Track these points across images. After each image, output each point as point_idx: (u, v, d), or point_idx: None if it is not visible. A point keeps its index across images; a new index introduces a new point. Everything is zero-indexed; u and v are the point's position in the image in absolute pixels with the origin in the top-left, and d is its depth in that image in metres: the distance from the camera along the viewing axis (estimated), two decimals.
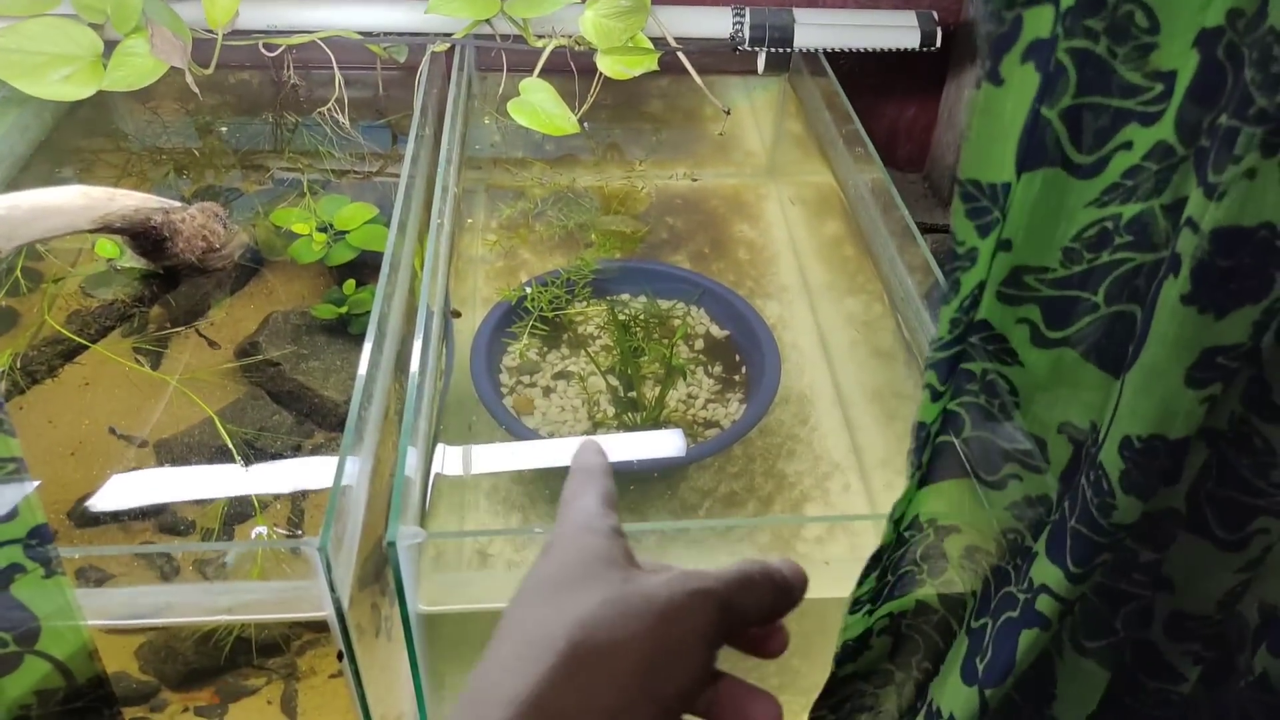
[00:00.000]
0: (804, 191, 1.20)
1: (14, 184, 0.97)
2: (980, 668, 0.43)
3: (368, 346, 0.71)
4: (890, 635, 0.52)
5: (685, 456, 0.81)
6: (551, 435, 0.84)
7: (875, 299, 1.04)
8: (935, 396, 0.40)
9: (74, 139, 1.09)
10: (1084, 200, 0.34)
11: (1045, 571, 0.38)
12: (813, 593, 0.67)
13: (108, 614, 0.54)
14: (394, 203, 0.85)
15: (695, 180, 1.15)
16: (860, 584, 0.50)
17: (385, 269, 0.74)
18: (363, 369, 0.69)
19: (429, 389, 0.77)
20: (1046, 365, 0.39)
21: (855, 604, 0.50)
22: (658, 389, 0.88)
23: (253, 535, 0.68)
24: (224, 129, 1.08)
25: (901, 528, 0.47)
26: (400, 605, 0.52)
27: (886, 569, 0.49)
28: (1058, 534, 0.38)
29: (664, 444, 0.85)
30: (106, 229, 0.73)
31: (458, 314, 0.88)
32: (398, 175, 0.94)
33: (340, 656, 0.52)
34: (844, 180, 1.11)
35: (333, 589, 0.49)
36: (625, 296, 0.97)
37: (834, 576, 0.72)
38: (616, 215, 1.05)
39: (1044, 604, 0.38)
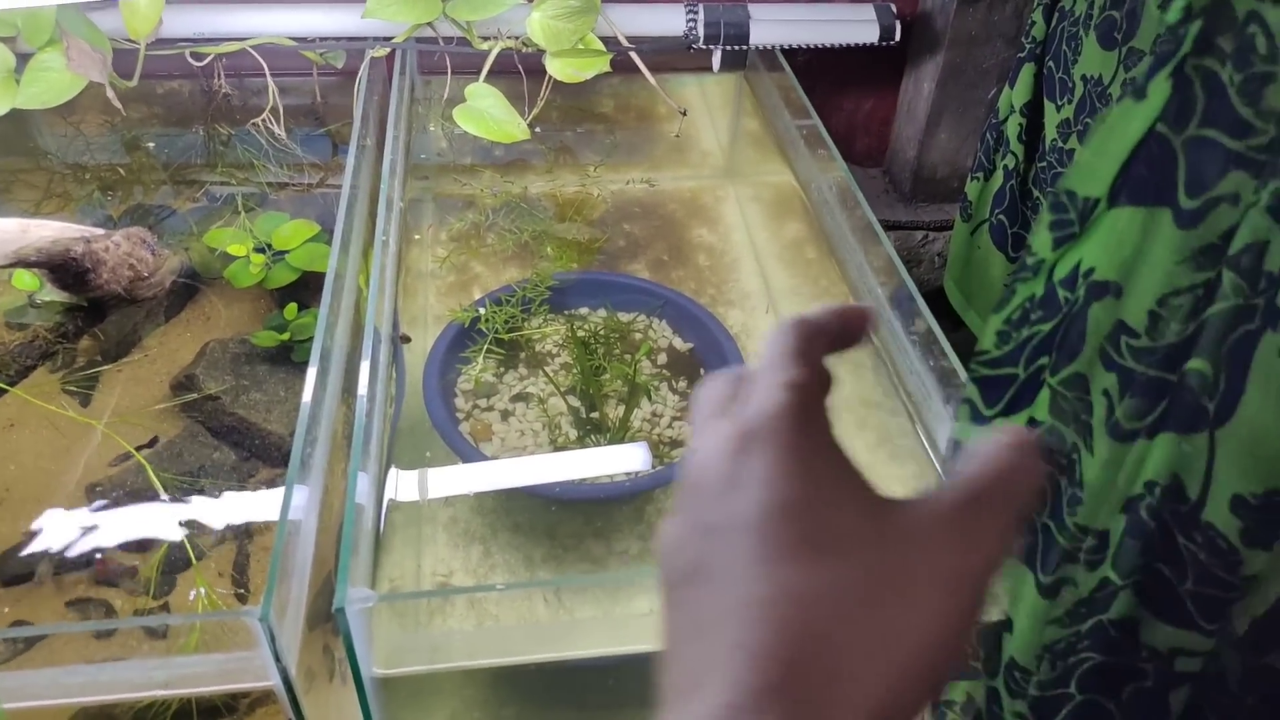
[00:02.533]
0: (763, 192, 1.16)
1: None
2: None
3: (311, 373, 0.66)
4: None
5: (654, 480, 0.78)
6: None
7: (838, 303, 1.02)
8: (977, 417, 0.37)
9: None
10: (1176, 254, 0.31)
11: (1173, 636, 0.36)
12: None
13: (34, 694, 0.50)
14: (335, 218, 0.80)
15: (652, 185, 1.12)
16: None
17: (328, 291, 0.69)
18: (307, 396, 0.65)
19: (379, 418, 0.73)
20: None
21: None
22: (621, 408, 0.85)
23: (190, 597, 0.64)
24: (152, 144, 1.02)
25: None
26: (354, 673, 0.48)
27: None
28: (1166, 598, 0.36)
29: (629, 464, 0.81)
30: (21, 263, 0.68)
31: (407, 339, 0.84)
32: (334, 187, 0.89)
33: None
34: (805, 180, 1.08)
35: (278, 659, 0.45)
36: (584, 310, 0.93)
37: None
38: (571, 223, 1.01)
39: (1185, 664, 0.36)
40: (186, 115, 1.07)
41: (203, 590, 0.62)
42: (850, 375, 0.94)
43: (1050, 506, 0.40)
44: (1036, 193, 1.03)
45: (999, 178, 1.06)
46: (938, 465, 0.76)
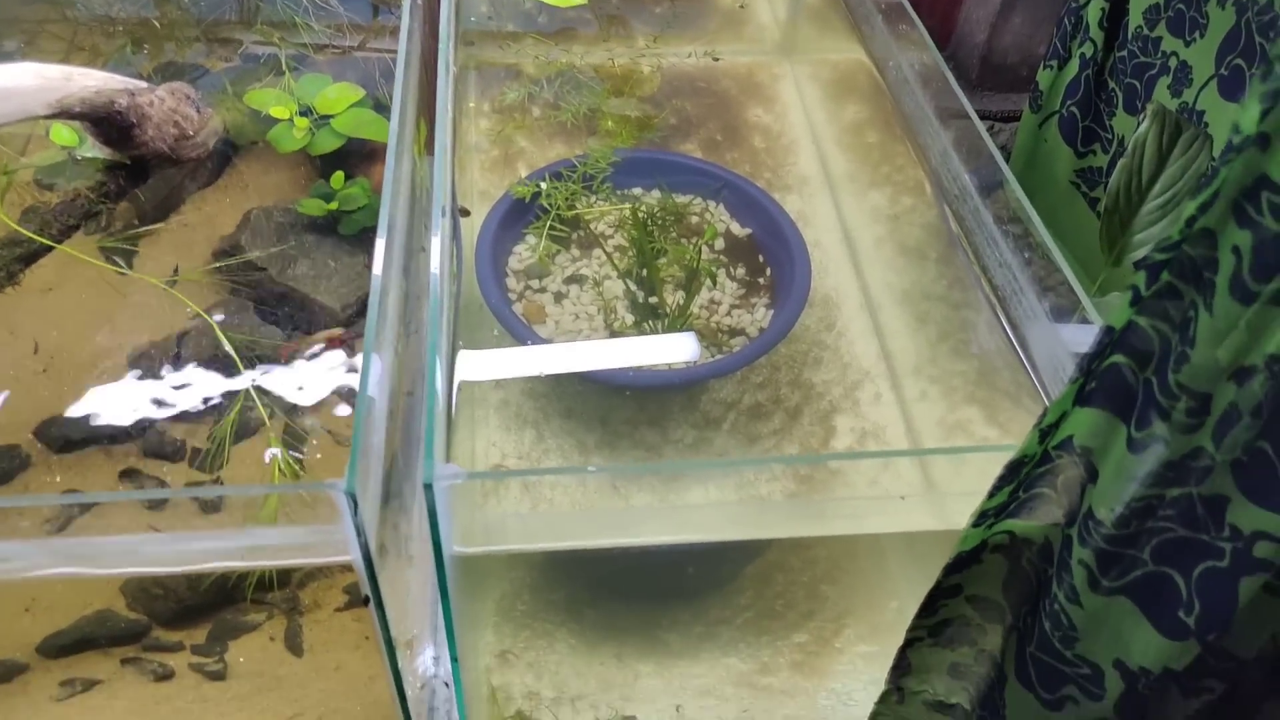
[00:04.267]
0: (822, 71, 1.11)
1: None
2: (1190, 621, 0.39)
3: (380, 244, 0.63)
4: (1006, 559, 0.50)
5: (714, 368, 0.76)
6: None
7: (902, 191, 0.98)
8: (1135, 300, 0.35)
9: (12, 7, 0.96)
10: None
11: (1258, 518, 0.34)
12: (853, 526, 0.62)
13: (102, 562, 0.48)
14: (390, 81, 0.76)
15: (717, 60, 1.06)
16: (990, 496, 0.47)
17: (392, 158, 0.65)
18: (377, 269, 0.62)
19: (448, 295, 0.70)
20: None
21: (980, 517, 0.47)
22: (678, 294, 0.82)
23: (266, 458, 0.62)
24: None
25: (1051, 443, 0.43)
26: (435, 549, 0.47)
27: (1021, 484, 0.45)
28: (1264, 478, 0.34)
29: (686, 352, 0.79)
30: (64, 114, 0.64)
31: (466, 212, 0.80)
32: (378, 50, 0.84)
33: (366, 601, 0.47)
34: (880, 58, 1.02)
35: (360, 533, 0.44)
36: (638, 191, 0.89)
37: (877, 510, 0.69)
38: (623, 98, 0.96)
39: (1264, 550, 0.35)
40: None
41: (276, 451, 0.60)
42: (911, 267, 0.90)
43: (1156, 361, 0.38)
44: (1112, 84, 0.98)
45: (1074, 66, 1.01)
46: (1026, 361, 0.74)
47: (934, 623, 0.56)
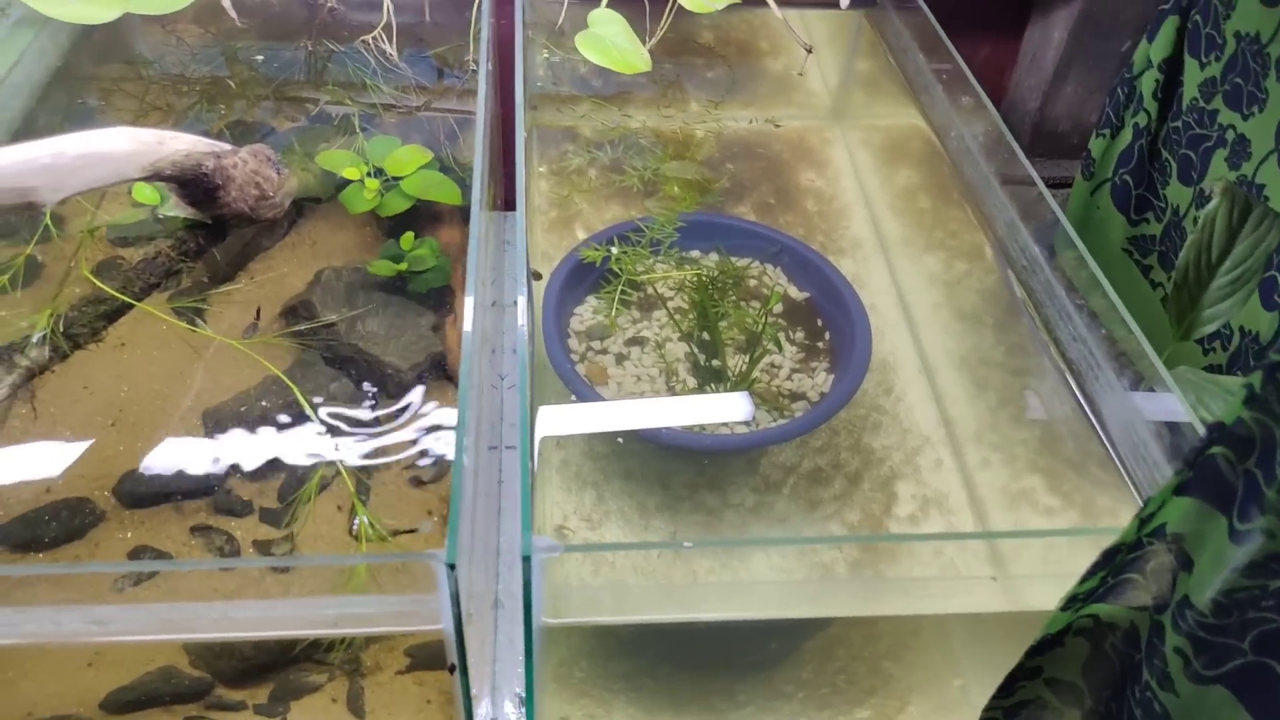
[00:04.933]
0: (873, 136, 1.12)
1: (32, 115, 0.89)
2: None
3: (470, 302, 0.64)
4: (1088, 642, 0.49)
5: (776, 434, 0.76)
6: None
7: (957, 256, 0.98)
8: (1250, 399, 0.35)
9: (89, 65, 0.99)
10: None
11: None
12: (927, 606, 0.62)
13: (194, 627, 0.49)
14: (454, 142, 0.77)
15: (778, 126, 1.07)
16: (1083, 581, 0.46)
17: (477, 222, 0.66)
18: (467, 325, 0.62)
19: (530, 356, 0.71)
20: None
21: (1070, 601, 0.47)
22: (738, 357, 0.82)
23: (353, 526, 0.62)
24: (260, 56, 0.99)
25: (1144, 531, 0.43)
26: (526, 621, 0.47)
27: (1112, 570, 0.45)
28: None
29: (736, 413, 0.79)
30: (156, 176, 0.66)
31: (539, 275, 0.81)
32: (443, 110, 0.86)
33: (452, 669, 0.47)
34: (939, 125, 1.04)
35: (456, 603, 0.44)
36: (695, 254, 0.90)
37: (954, 590, 0.68)
38: (681, 161, 0.98)
39: None
40: (289, 29, 1.04)
41: (365, 520, 0.61)
42: (969, 333, 0.91)
43: (1258, 454, 0.38)
44: (1166, 154, 0.99)
45: (1127, 135, 1.02)
46: (1100, 431, 0.73)
47: (1010, 704, 0.56)
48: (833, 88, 1.17)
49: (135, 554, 0.66)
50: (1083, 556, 0.48)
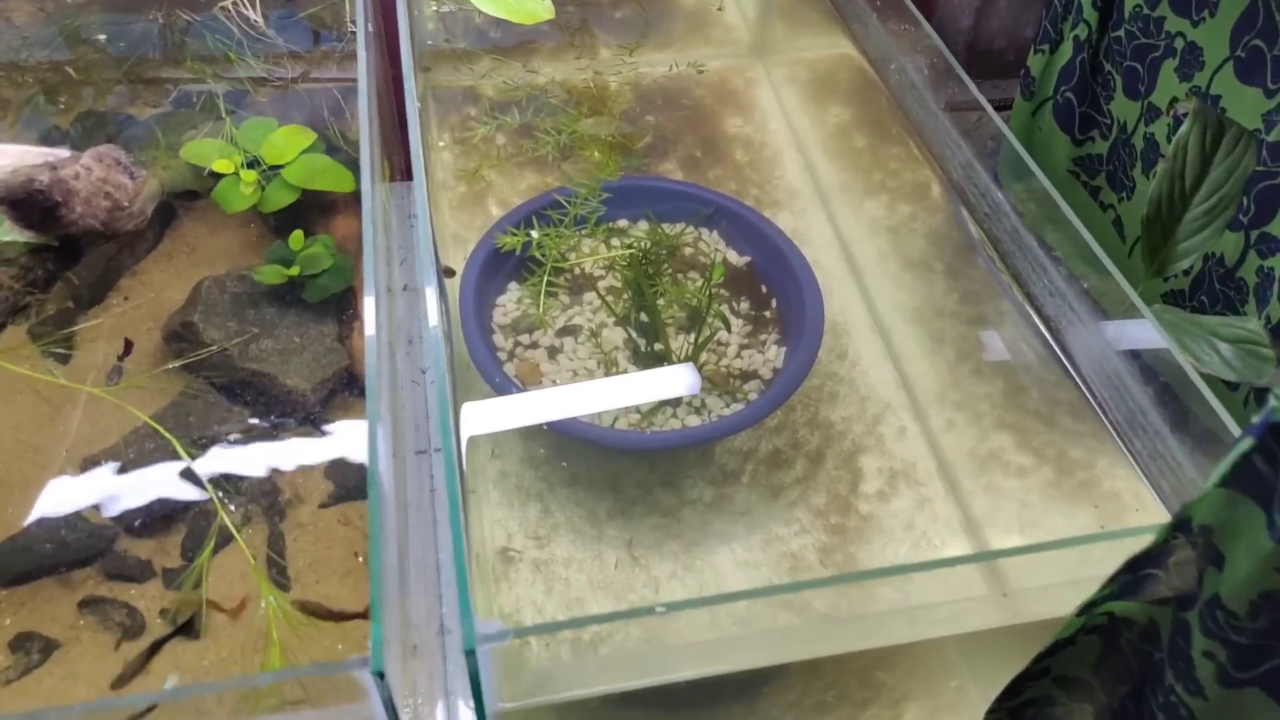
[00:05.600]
0: (797, 71, 1.04)
1: None
2: None
3: (370, 302, 0.55)
4: (1101, 639, 0.46)
5: (734, 422, 0.69)
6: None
7: (898, 198, 0.92)
8: None
9: None
10: None
11: None
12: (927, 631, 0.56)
13: None
14: (339, 117, 0.68)
15: (702, 71, 0.98)
16: (1102, 588, 0.42)
17: (369, 211, 0.57)
18: (370, 328, 0.54)
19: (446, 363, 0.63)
20: None
21: (1088, 606, 0.43)
22: (680, 337, 0.75)
23: (260, 608, 0.54)
24: (101, 35, 0.86)
25: (1171, 530, 0.38)
26: (478, 713, 0.40)
27: (1129, 568, 0.41)
28: None
29: (680, 387, 0.73)
30: None
31: (451, 272, 0.72)
32: (322, 81, 0.76)
33: None
34: (876, 56, 0.96)
35: (391, 710, 0.37)
36: (623, 223, 0.82)
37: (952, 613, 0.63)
38: (597, 118, 0.89)
39: None
40: (135, 0, 0.91)
41: (270, 602, 0.53)
42: (919, 282, 0.85)
43: None
44: (1109, 66, 0.93)
45: (1067, 50, 0.95)
46: (1085, 388, 0.68)
47: (1016, 704, 0.52)
48: (751, 20, 1.09)
49: (18, 642, 0.58)
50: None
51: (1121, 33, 0.91)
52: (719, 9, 1.06)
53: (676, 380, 0.74)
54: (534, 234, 0.73)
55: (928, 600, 0.58)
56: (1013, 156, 1.03)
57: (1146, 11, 0.87)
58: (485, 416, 0.69)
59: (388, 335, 0.64)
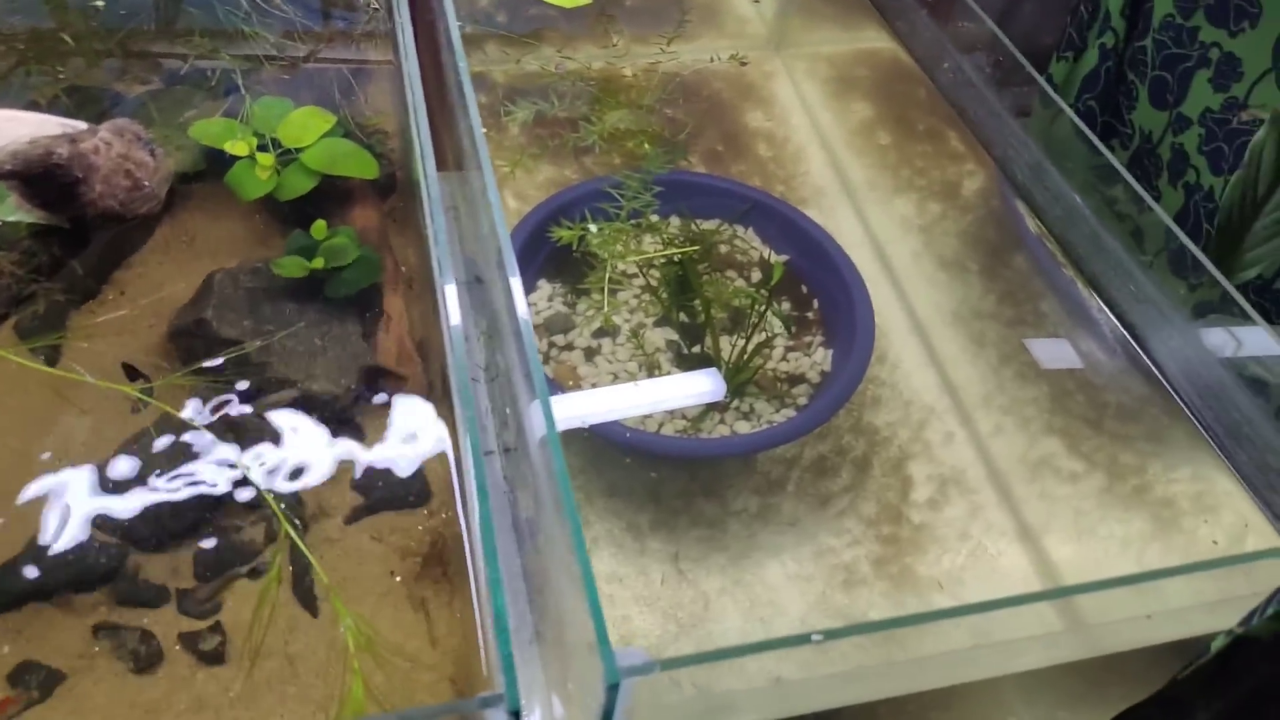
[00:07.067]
0: (818, 66, 1.01)
1: None
2: None
3: (451, 291, 0.49)
4: (1217, 658, 0.43)
5: (789, 430, 0.66)
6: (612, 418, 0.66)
7: (928, 196, 0.90)
8: None
9: None
10: None
11: None
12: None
13: None
14: (350, 98, 0.62)
15: (744, 63, 0.94)
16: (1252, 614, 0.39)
17: (430, 197, 0.52)
18: (455, 317, 0.48)
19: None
20: None
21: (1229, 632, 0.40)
22: (724, 338, 0.72)
23: (247, 612, 0.49)
24: (100, 2, 0.79)
25: None
26: None
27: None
28: None
29: (704, 391, 0.69)
30: None
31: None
32: (332, 61, 0.71)
33: None
34: (922, 55, 0.93)
35: None
36: (655, 219, 0.78)
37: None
38: (622, 110, 0.85)
39: None
40: None
41: (349, 625, 0.47)
42: (955, 282, 0.82)
43: None
44: (1131, 76, 0.92)
45: (1092, 57, 0.94)
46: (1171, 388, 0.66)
47: None
48: (766, 14, 1.06)
49: (18, 673, 0.51)
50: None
51: (1148, 42, 0.90)
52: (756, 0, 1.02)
53: (704, 383, 0.70)
54: (592, 228, 0.69)
55: (1005, 636, 0.55)
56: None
57: (1179, 21, 0.86)
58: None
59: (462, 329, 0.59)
